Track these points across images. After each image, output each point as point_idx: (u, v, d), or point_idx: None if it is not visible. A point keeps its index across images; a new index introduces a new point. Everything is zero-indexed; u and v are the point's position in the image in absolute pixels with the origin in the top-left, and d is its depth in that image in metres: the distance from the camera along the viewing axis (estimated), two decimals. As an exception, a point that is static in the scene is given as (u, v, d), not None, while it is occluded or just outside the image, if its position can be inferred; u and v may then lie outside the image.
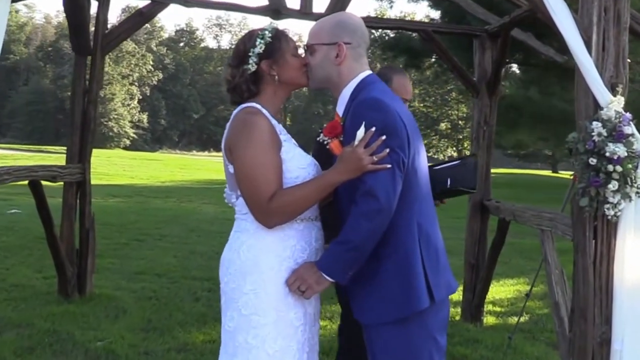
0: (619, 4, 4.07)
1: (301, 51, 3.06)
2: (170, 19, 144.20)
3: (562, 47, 7.97)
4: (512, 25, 6.44)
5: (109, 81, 67.62)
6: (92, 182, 7.48)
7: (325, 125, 2.96)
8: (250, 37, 3.00)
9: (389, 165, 2.71)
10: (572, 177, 5.08)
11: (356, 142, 2.73)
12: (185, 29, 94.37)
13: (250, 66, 2.94)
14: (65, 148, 7.43)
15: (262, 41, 2.95)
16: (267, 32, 2.98)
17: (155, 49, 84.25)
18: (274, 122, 2.92)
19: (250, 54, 2.94)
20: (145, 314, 6.70)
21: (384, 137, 2.71)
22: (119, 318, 6.53)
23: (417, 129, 2.96)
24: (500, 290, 8.42)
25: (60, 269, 7.07)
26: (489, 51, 6.91)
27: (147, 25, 78.40)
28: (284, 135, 2.96)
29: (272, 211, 2.79)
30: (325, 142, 2.93)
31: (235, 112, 2.96)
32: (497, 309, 7.53)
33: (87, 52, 7.11)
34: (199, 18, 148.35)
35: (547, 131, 14.54)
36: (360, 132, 2.73)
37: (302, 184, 2.85)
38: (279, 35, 3.00)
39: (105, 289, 7.62)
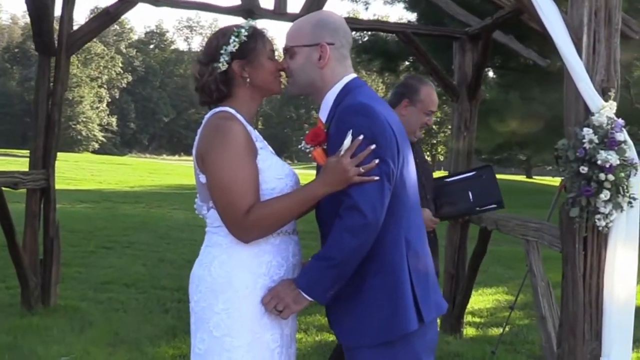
0: (610, 4, 3.95)
1: (277, 55, 2.85)
2: (140, 21, 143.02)
3: (543, 50, 7.92)
4: (494, 27, 6.28)
5: (77, 83, 66.97)
6: (59, 187, 7.23)
7: (307, 132, 2.74)
8: (224, 34, 2.77)
9: (377, 177, 2.51)
10: (559, 185, 4.95)
11: (342, 152, 2.51)
12: (155, 30, 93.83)
13: (220, 64, 2.72)
14: (33, 152, 7.13)
15: (236, 39, 2.73)
16: (243, 30, 2.76)
17: (124, 50, 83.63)
18: (249, 128, 2.71)
19: (222, 51, 2.72)
20: (112, 326, 6.46)
21: (373, 147, 2.51)
22: (85, 331, 6.28)
23: (405, 136, 2.75)
24: (479, 300, 8.28)
25: (23, 279, 6.80)
26: (470, 54, 6.76)
27: (117, 26, 78.33)
28: (260, 142, 2.75)
29: (248, 225, 2.58)
30: (307, 150, 2.71)
31: (207, 116, 2.74)
32: (477, 319, 7.38)
33: (51, 52, 6.85)
34: (169, 20, 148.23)
35: (526, 136, 14.48)
36: (347, 141, 2.52)
37: (282, 196, 2.64)
38: (255, 35, 2.78)
39: (70, 300, 7.37)
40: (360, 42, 18.24)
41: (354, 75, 2.80)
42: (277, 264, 2.71)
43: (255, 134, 2.73)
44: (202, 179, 2.69)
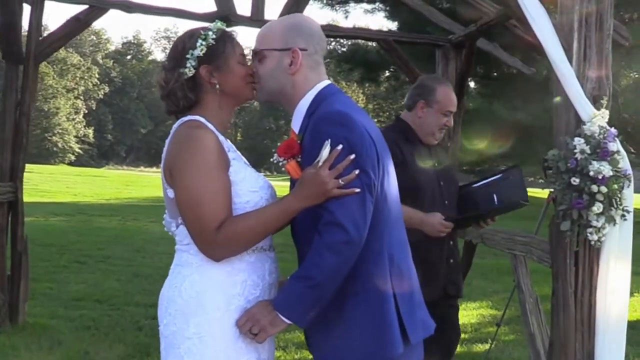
0: (601, 10, 3.79)
1: (248, 59, 2.66)
2: (117, 31, 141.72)
3: (527, 58, 7.81)
4: (478, 35, 6.14)
5: (53, 95, 66.30)
6: (33, 199, 7.04)
7: (279, 143, 2.54)
8: (191, 37, 2.58)
9: (358, 190, 2.33)
10: (546, 197, 4.79)
11: (320, 163, 2.32)
12: (132, 41, 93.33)
13: (187, 70, 2.53)
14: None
15: (203, 42, 2.54)
16: (210, 33, 2.57)
17: (101, 61, 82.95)
18: (221, 138, 2.52)
19: (189, 56, 2.54)
20: (83, 345, 6.25)
21: (352, 157, 2.33)
22: (54, 350, 6.08)
23: (385, 145, 2.58)
24: (463, 314, 8.07)
25: (-10, 296, 6.53)
26: (453, 62, 6.61)
27: (93, 37, 77.62)
28: (233, 153, 2.56)
29: (220, 243, 2.40)
30: (281, 164, 2.52)
31: (175, 126, 2.55)
32: (462, 335, 7.16)
33: (19, 60, 6.60)
34: (146, 30, 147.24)
35: (509, 146, 14.40)
36: (325, 152, 2.33)
37: (256, 211, 2.45)
38: (224, 38, 2.59)
39: (40, 317, 7.13)
40: (339, 51, 18.14)
41: (327, 81, 2.62)
42: (252, 283, 2.53)
43: (227, 144, 2.55)
44: (170, 193, 2.51)
